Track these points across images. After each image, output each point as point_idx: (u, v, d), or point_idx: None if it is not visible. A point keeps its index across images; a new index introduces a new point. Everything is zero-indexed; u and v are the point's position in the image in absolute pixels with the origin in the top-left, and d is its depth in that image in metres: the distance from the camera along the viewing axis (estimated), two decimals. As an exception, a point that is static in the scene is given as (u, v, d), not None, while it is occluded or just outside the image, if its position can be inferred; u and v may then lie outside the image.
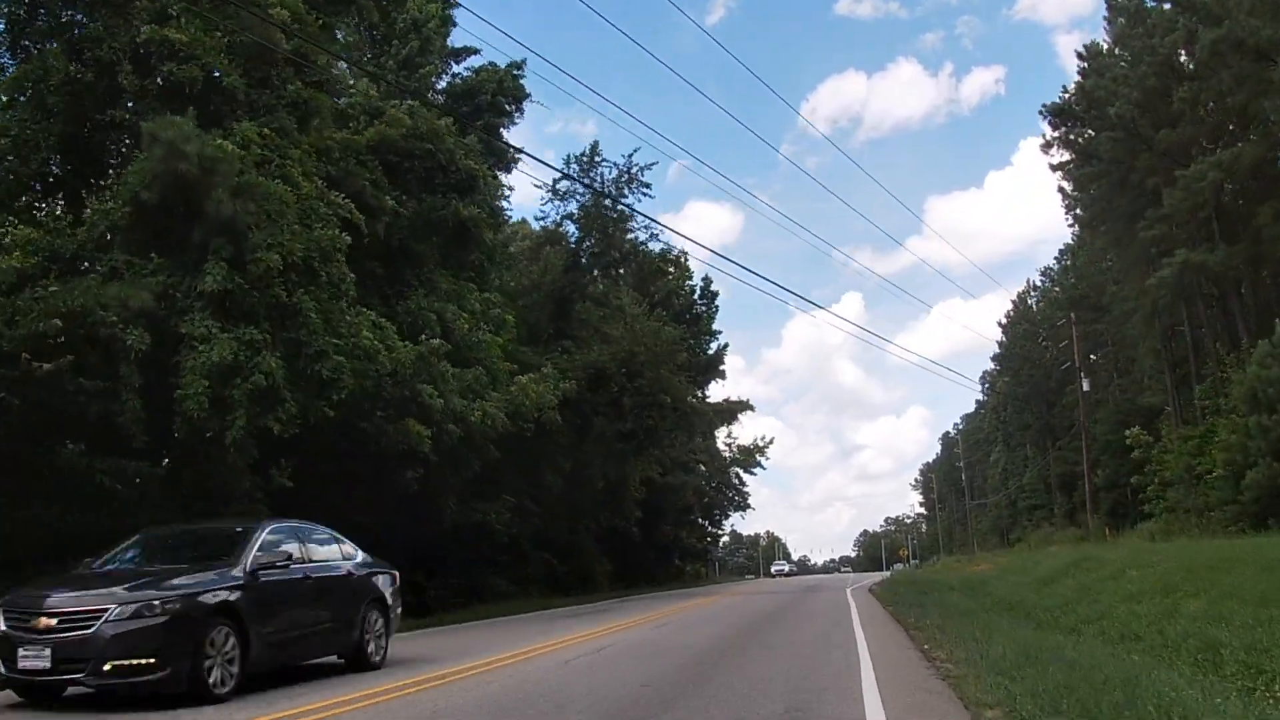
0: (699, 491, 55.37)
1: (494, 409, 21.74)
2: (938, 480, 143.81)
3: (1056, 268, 71.37)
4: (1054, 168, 42.27)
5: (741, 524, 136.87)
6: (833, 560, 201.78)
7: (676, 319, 60.81)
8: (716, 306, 68.67)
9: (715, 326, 67.73)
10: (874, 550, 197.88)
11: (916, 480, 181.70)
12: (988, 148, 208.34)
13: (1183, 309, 37.37)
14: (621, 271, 38.16)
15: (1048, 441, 75.49)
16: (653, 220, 37.71)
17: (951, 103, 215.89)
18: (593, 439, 33.39)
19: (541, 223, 37.10)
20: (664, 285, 63.87)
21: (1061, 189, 45.93)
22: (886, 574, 65.37)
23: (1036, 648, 10.99)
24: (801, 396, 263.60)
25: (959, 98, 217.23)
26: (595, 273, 36.95)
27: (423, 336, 20.60)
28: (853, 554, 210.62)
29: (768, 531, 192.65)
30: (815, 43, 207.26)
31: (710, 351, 66.62)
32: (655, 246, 36.67)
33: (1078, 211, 49.96)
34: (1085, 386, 50.29)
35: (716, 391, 71.41)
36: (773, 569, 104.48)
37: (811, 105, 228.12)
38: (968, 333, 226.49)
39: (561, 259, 36.32)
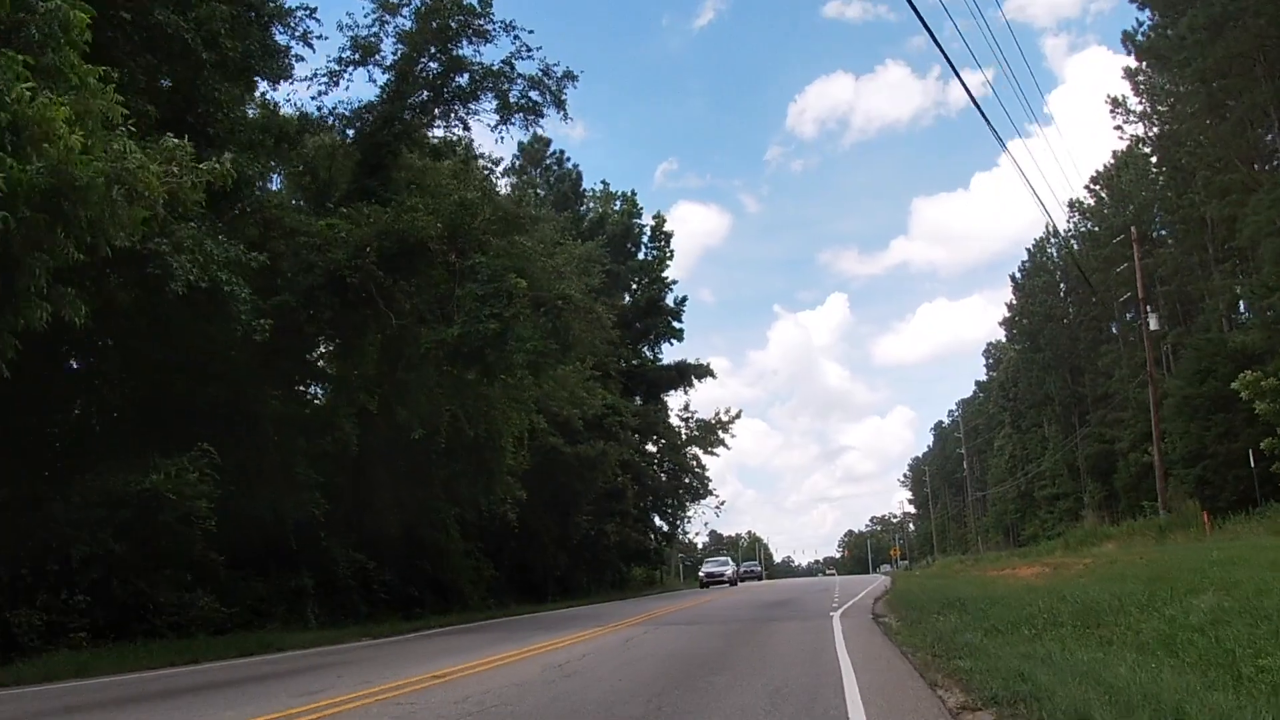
0: (632, 468, 41.81)
1: None
2: (931, 475, 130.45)
3: (1089, 201, 58.02)
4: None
5: (720, 523, 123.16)
6: (817, 562, 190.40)
7: (613, 252, 47.48)
8: (671, 251, 55.79)
9: (670, 275, 54.64)
10: (859, 551, 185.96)
11: (905, 476, 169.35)
12: (974, 150, 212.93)
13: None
14: (477, 115, 24.22)
15: (1074, 417, 62.39)
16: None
17: (939, 105, 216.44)
18: (406, 354, 19.87)
19: (352, 33, 23.40)
20: (594, 209, 50.53)
21: (1127, 38, 32.77)
22: (881, 578, 52.09)
23: None
24: (787, 399, 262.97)
25: (946, 100, 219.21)
26: (437, 111, 23.36)
27: None
28: (837, 555, 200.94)
29: (749, 531, 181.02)
30: (803, 45, 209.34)
31: (661, 299, 53.55)
32: (529, 68, 23.12)
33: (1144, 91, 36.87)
34: (1153, 324, 37.07)
35: (672, 354, 58.42)
36: (702, 572, 53.48)
37: (800, 106, 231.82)
38: (954, 333, 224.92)
39: (378, 88, 22.80)
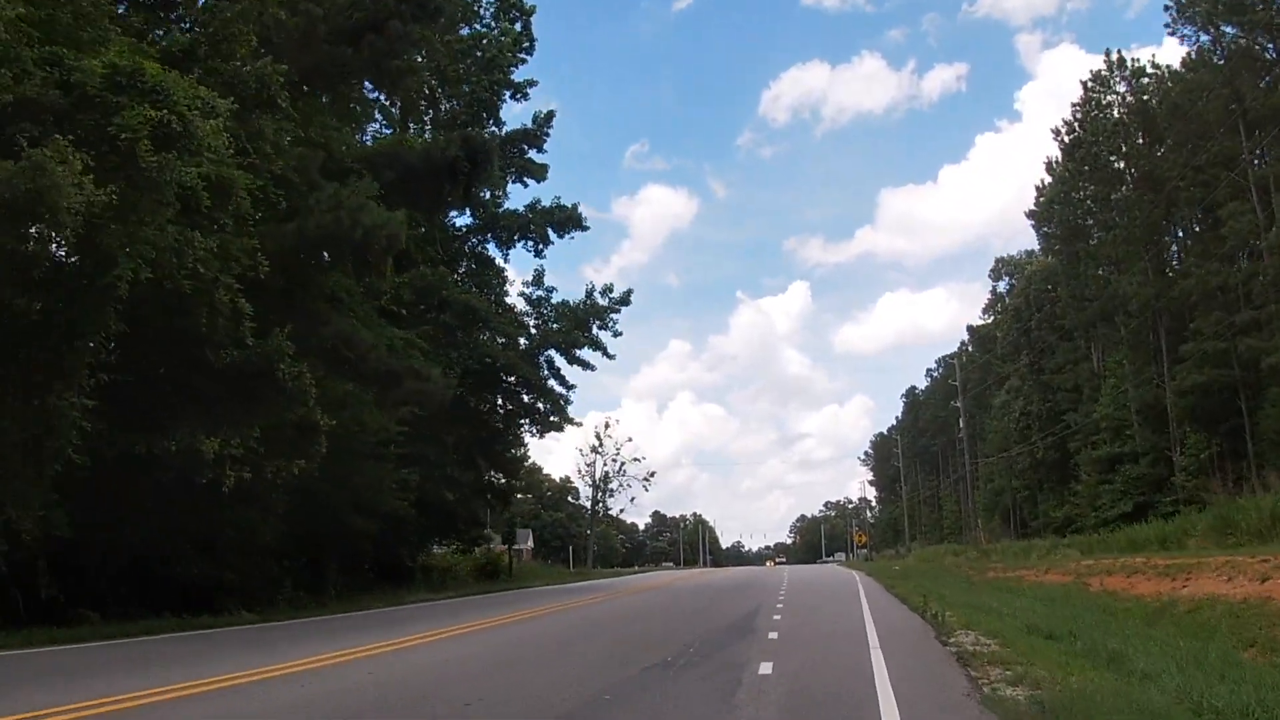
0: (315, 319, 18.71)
1: None
2: (903, 450, 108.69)
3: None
4: None
5: (667, 504, 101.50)
6: (768, 548, 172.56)
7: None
8: (531, 41, 33.58)
9: (529, 75, 32.14)
10: (812, 537, 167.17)
11: (867, 454, 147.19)
12: (944, 143, 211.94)
13: None
14: None
15: (1157, 334, 40.54)
16: None
17: (912, 98, 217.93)
18: None
19: None
20: None
21: None
22: (845, 573, 31.03)
23: None
24: (747, 384, 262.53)
25: (919, 93, 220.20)
26: None
27: None
28: (789, 541, 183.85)
29: (694, 514, 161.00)
30: (781, 32, 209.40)
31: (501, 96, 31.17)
32: None
33: None
34: None
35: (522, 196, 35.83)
36: None
37: (774, 93, 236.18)
38: (915, 324, 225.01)
39: None
